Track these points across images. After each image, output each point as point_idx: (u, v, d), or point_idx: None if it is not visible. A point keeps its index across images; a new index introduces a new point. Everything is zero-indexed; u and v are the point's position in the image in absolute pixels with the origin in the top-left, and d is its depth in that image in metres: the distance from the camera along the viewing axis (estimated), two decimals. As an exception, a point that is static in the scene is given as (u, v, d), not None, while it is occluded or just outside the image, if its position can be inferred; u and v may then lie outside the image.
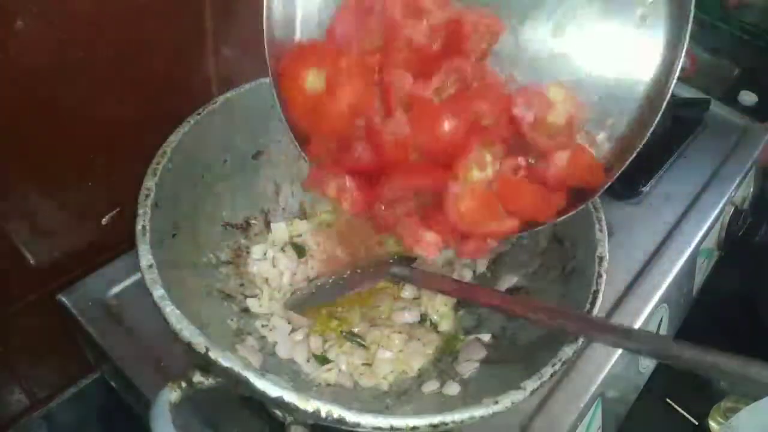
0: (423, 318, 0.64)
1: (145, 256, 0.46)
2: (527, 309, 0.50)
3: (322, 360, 0.59)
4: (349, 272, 0.62)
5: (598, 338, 0.47)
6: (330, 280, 0.62)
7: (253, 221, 0.68)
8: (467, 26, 0.50)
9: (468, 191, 0.50)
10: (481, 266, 0.68)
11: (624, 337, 0.45)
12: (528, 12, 0.51)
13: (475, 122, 0.50)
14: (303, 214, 0.71)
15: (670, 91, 0.51)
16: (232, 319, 0.58)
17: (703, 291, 0.95)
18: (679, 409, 0.92)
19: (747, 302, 1.03)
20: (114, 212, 0.67)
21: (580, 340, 0.48)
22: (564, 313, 0.47)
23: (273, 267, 0.65)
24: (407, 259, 0.62)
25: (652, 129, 0.51)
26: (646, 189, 0.88)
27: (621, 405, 0.77)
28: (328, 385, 0.57)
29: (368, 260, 0.64)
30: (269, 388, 0.40)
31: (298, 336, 0.60)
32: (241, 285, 0.63)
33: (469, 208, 0.50)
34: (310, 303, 0.61)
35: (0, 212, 0.57)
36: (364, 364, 0.59)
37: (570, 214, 0.53)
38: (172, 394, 0.41)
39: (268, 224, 0.69)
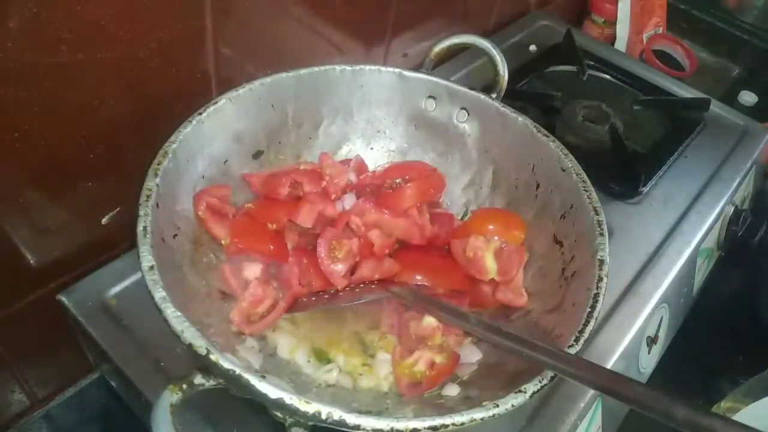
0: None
1: (146, 257, 0.46)
2: (510, 341, 0.50)
3: (323, 359, 0.59)
4: (350, 287, 0.62)
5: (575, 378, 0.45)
6: (332, 291, 0.62)
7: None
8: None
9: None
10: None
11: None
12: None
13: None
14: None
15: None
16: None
17: (703, 291, 0.96)
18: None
19: (747, 302, 1.03)
20: (114, 212, 0.67)
21: (581, 343, 0.48)
22: (542, 348, 0.47)
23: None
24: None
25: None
26: (645, 189, 0.88)
27: (621, 405, 0.77)
28: (328, 385, 0.57)
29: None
30: (270, 390, 0.40)
31: (299, 336, 0.60)
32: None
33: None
34: (311, 309, 0.61)
35: (0, 212, 0.57)
36: (363, 365, 0.59)
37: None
38: (173, 397, 0.41)
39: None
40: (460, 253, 0.65)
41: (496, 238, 0.65)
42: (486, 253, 0.63)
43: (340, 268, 0.61)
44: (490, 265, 0.63)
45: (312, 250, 0.62)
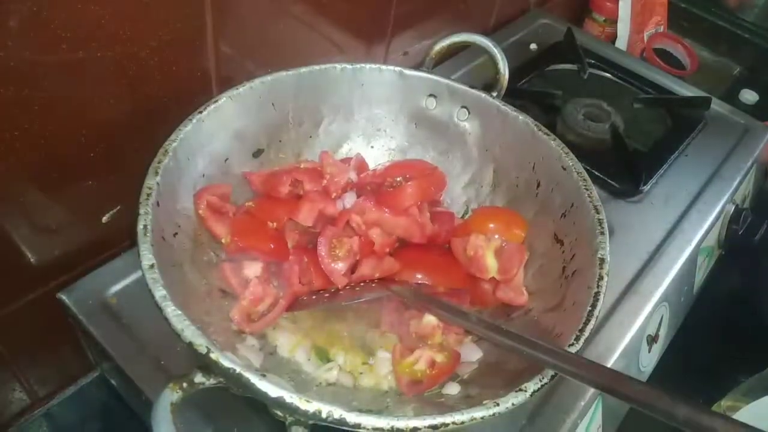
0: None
1: (147, 256, 0.46)
2: (511, 340, 0.49)
3: (323, 357, 0.59)
4: (351, 285, 0.62)
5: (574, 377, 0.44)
6: (332, 290, 0.62)
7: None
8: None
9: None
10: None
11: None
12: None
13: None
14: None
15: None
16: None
17: (703, 290, 0.96)
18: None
19: (747, 301, 1.04)
20: (114, 210, 0.67)
21: (581, 343, 0.48)
22: (543, 347, 0.47)
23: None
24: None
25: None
26: (646, 188, 0.88)
27: (621, 405, 0.77)
28: (329, 384, 0.57)
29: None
30: (270, 388, 0.40)
31: (299, 335, 0.60)
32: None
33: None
34: (311, 308, 0.61)
35: (0, 211, 0.57)
36: (364, 363, 0.59)
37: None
38: (173, 395, 0.41)
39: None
40: (461, 252, 0.65)
41: (496, 236, 0.65)
42: (486, 252, 0.63)
43: (340, 266, 0.61)
44: (491, 263, 0.63)
45: (313, 249, 0.62)
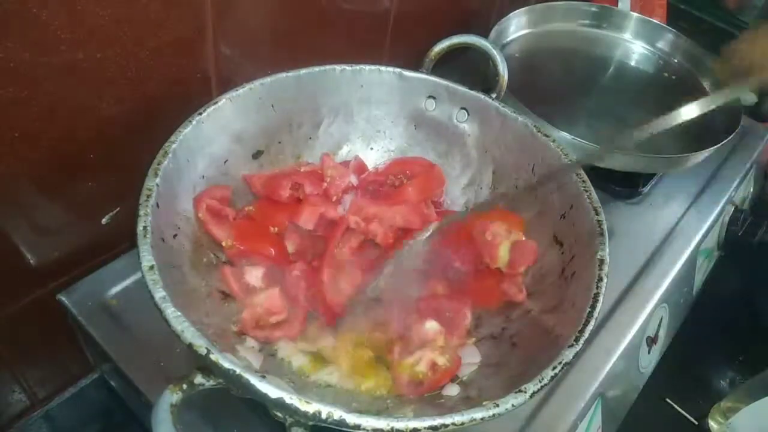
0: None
1: (146, 257, 0.46)
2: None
3: (323, 358, 0.59)
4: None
5: None
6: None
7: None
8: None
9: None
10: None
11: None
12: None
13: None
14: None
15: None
16: (232, 320, 0.58)
17: (703, 291, 0.96)
18: (679, 409, 0.93)
19: (747, 302, 1.04)
20: (114, 212, 0.67)
21: (581, 343, 0.48)
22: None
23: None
24: None
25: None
26: (645, 189, 0.88)
27: (621, 405, 0.77)
28: (329, 386, 0.57)
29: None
30: (270, 390, 0.40)
31: (299, 336, 0.60)
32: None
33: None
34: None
35: (0, 212, 0.57)
36: (364, 365, 0.59)
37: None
38: (173, 397, 0.41)
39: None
40: (479, 234, 0.65)
41: (513, 232, 0.65)
42: (504, 241, 0.64)
43: (342, 289, 0.61)
44: (503, 254, 0.64)
45: (313, 270, 0.62)
